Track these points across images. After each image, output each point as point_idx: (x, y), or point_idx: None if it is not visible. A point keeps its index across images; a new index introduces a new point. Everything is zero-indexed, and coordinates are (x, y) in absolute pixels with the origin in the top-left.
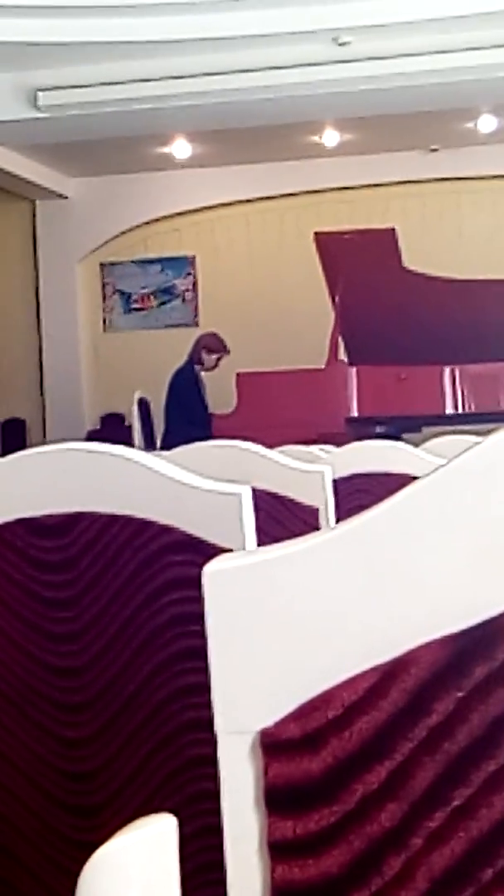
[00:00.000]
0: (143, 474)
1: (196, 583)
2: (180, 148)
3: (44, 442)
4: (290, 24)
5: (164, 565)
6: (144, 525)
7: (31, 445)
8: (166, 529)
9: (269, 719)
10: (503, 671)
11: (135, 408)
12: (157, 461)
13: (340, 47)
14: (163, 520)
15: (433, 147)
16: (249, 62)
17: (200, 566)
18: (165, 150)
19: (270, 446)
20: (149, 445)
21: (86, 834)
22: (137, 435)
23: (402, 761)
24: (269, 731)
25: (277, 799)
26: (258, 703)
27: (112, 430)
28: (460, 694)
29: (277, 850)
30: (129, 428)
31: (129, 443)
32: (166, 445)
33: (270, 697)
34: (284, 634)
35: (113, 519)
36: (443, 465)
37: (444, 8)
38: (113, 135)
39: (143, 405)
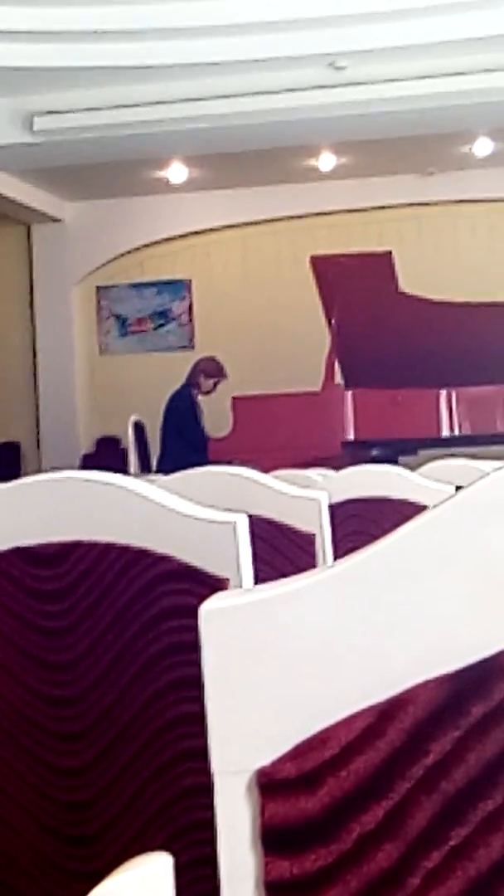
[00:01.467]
0: (139, 503)
1: (192, 612)
2: (176, 172)
3: (38, 465)
4: (286, 49)
5: (159, 594)
6: (140, 554)
7: (26, 469)
8: (162, 558)
9: (266, 759)
10: (501, 711)
11: (130, 431)
12: (152, 490)
13: (337, 71)
14: (159, 549)
15: (429, 170)
16: (246, 86)
17: (196, 595)
18: (161, 173)
19: (266, 469)
20: (144, 469)
21: (81, 864)
22: (133, 458)
23: (400, 801)
24: (266, 770)
25: (274, 839)
26: (255, 743)
27: (107, 453)
28: (458, 734)
29: (274, 890)
30: (125, 451)
31: (124, 466)
32: (162, 469)
33: (267, 737)
34: (281, 673)
35: (109, 548)
36: (440, 503)
37: (441, 33)
38: (109, 159)
39: (139, 428)
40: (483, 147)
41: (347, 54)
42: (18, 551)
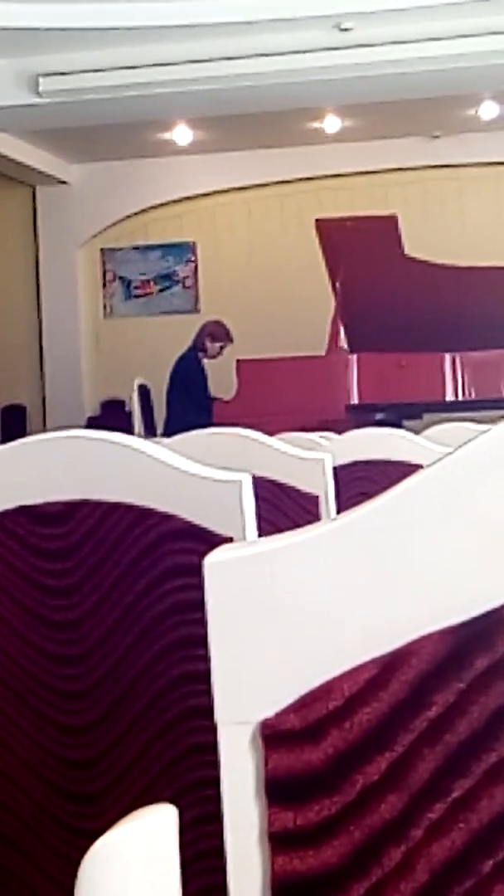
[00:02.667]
0: (144, 462)
1: (197, 571)
2: (181, 134)
3: (44, 428)
4: (291, 10)
5: (164, 553)
6: (145, 513)
7: (32, 431)
8: (167, 517)
9: (270, 710)
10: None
11: (135, 394)
12: (157, 449)
13: (342, 33)
14: (163, 508)
15: (435, 134)
16: (251, 48)
17: (201, 554)
18: (166, 136)
19: (271, 433)
20: (149, 432)
21: (86, 821)
22: (138, 421)
23: (403, 753)
24: (270, 721)
25: (278, 789)
26: (259, 694)
27: (112, 416)
28: (461, 686)
29: (278, 840)
30: (130, 414)
31: (129, 429)
32: (167, 432)
33: (271, 688)
34: (285, 625)
35: (113, 507)
36: (443, 457)
37: None
38: (114, 120)
39: (144, 391)
40: (489, 110)
41: (353, 15)
42: (23, 510)
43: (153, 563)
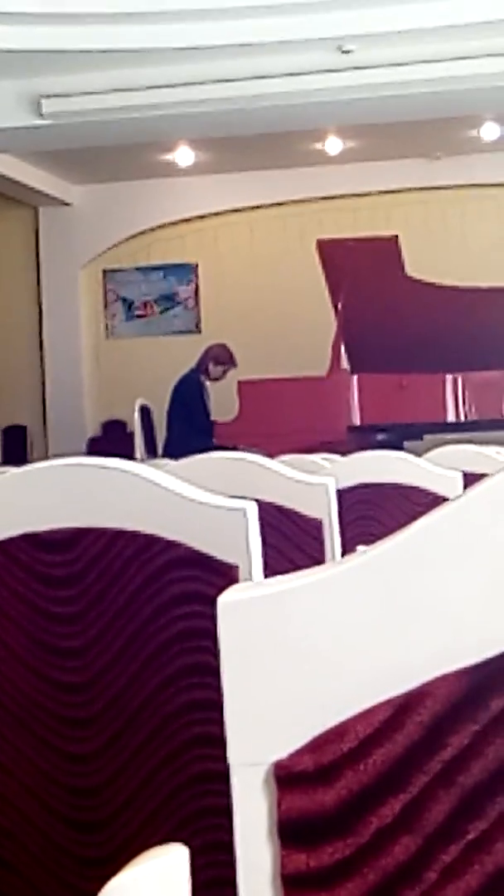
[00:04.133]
0: (149, 489)
1: (202, 598)
2: (183, 155)
3: (45, 449)
4: (294, 32)
5: (169, 581)
6: (150, 540)
7: (33, 452)
8: (172, 545)
9: (283, 751)
10: None
11: (137, 415)
12: (162, 476)
13: (344, 55)
14: (168, 535)
15: (436, 155)
16: (253, 70)
17: (206, 582)
18: (169, 157)
19: (272, 454)
20: (150, 453)
21: (90, 850)
22: (139, 442)
23: (417, 794)
24: (283, 763)
25: (291, 831)
26: (272, 735)
27: (113, 437)
28: (476, 727)
29: (291, 882)
30: (131, 435)
31: (130, 450)
32: (168, 453)
33: (284, 729)
34: (299, 666)
35: (118, 534)
36: (457, 497)
37: (449, 16)
38: (116, 142)
39: (145, 412)
40: (490, 131)
41: (354, 38)
42: (28, 537)
43: (158, 591)
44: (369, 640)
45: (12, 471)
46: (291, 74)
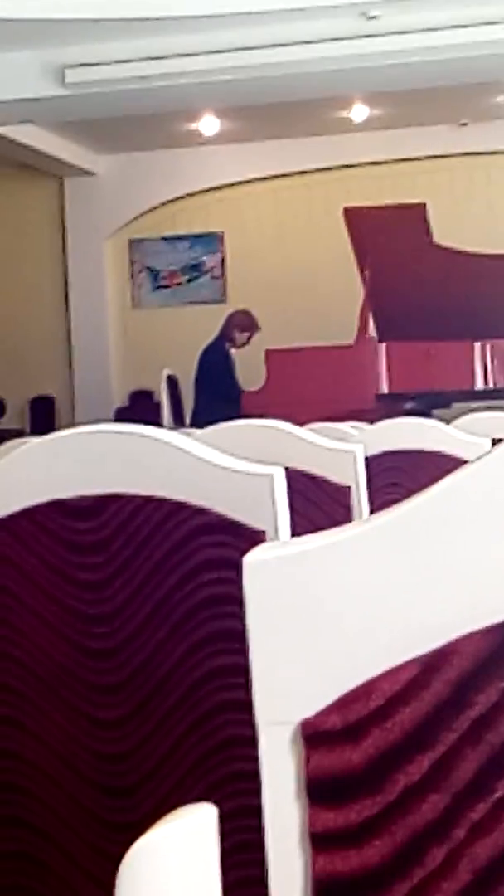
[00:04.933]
0: (176, 456)
1: (229, 564)
2: (208, 124)
3: (72, 419)
4: None
5: (196, 547)
6: (177, 507)
7: (60, 423)
8: (199, 511)
9: (310, 710)
10: None
11: (163, 385)
12: (189, 442)
13: (369, 21)
14: (195, 501)
15: (462, 121)
16: (278, 37)
17: (234, 548)
18: (193, 126)
19: (300, 423)
20: (178, 422)
21: (119, 815)
22: (166, 412)
23: (445, 752)
24: (310, 721)
25: (319, 790)
26: (298, 694)
27: (141, 407)
28: (503, 685)
29: (319, 841)
30: (158, 405)
31: (158, 420)
32: (196, 422)
33: (311, 688)
34: (325, 625)
35: (146, 501)
36: (484, 455)
37: None
38: (141, 111)
39: (172, 382)
40: None
41: (379, 4)
42: (55, 504)
43: (186, 557)
44: (395, 599)
45: (37, 440)
46: (316, 41)
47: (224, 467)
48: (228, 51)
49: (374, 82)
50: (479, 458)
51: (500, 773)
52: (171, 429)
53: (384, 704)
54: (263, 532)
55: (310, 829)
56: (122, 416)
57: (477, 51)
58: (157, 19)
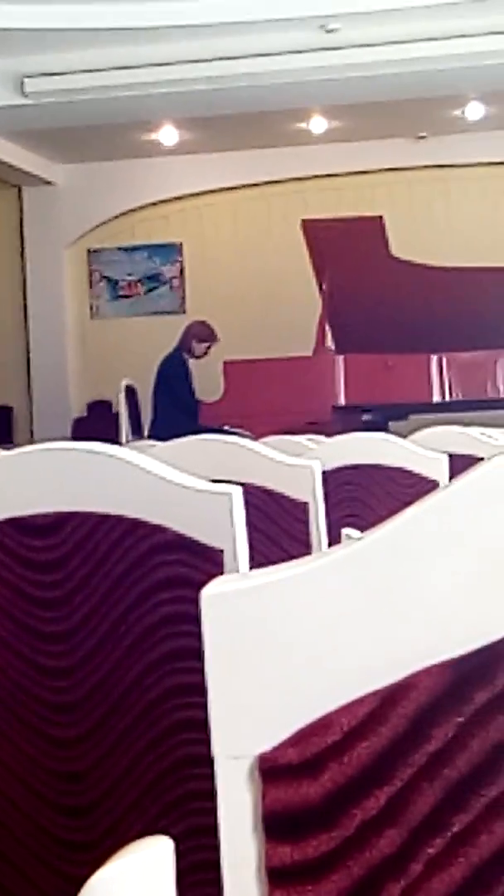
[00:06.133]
0: (134, 474)
1: (187, 583)
2: (167, 134)
3: (30, 429)
4: (278, 11)
5: (154, 565)
6: (135, 525)
7: (18, 432)
8: (157, 529)
9: (268, 744)
10: (503, 697)
11: (122, 395)
12: (147, 460)
13: (328, 34)
14: (153, 519)
15: (421, 134)
16: (237, 49)
17: (191, 566)
18: (153, 136)
19: (257, 434)
20: (136, 433)
21: (76, 834)
22: (125, 422)
23: (402, 787)
24: (267, 755)
25: (276, 824)
26: (256, 728)
27: (99, 417)
28: (460, 720)
29: (276, 876)
30: (117, 415)
31: (116, 430)
32: (154, 433)
33: (268, 722)
34: (283, 658)
35: (104, 518)
36: (442, 489)
37: None
38: (100, 121)
39: (131, 392)
40: (475, 111)
41: (339, 17)
42: (12, 521)
43: (143, 575)
44: (354, 633)
45: None
46: (275, 54)
47: (182, 486)
48: (188, 62)
49: (333, 95)
50: (438, 492)
51: (456, 808)
52: (129, 439)
53: (342, 739)
54: (221, 551)
55: (267, 864)
56: (80, 426)
57: (436, 65)
58: (117, 30)
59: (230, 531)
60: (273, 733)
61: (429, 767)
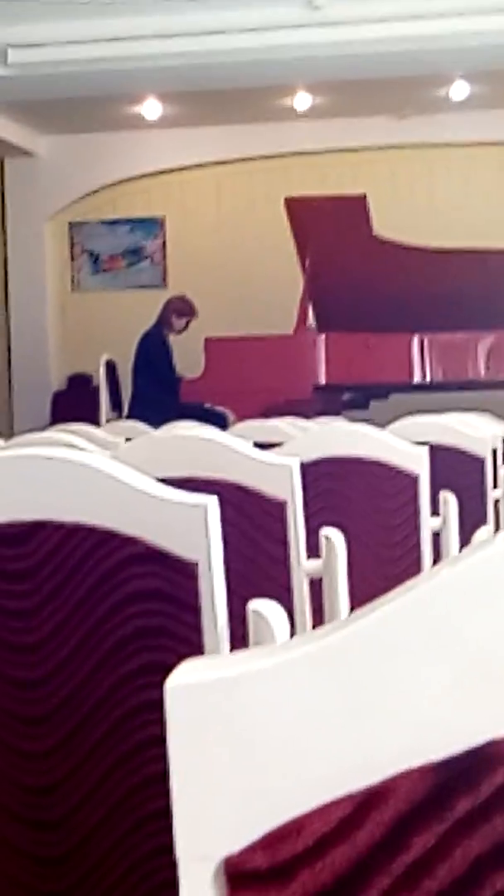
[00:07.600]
0: (107, 483)
1: (160, 596)
2: (151, 108)
3: (9, 402)
4: None
5: (126, 577)
6: (107, 536)
7: None
8: (130, 540)
9: (235, 846)
10: (488, 805)
11: (102, 371)
12: (121, 470)
13: (314, 11)
14: (126, 531)
15: (405, 113)
16: (223, 24)
17: (164, 578)
18: (136, 109)
19: (237, 411)
20: (116, 409)
21: (45, 848)
22: (104, 398)
23: None
24: (234, 859)
25: None
26: (222, 829)
27: (79, 391)
28: (442, 828)
29: None
30: (96, 389)
31: (95, 405)
32: (134, 408)
33: (236, 823)
34: (251, 756)
35: (75, 528)
36: (422, 582)
37: None
38: (83, 93)
39: (111, 368)
40: (459, 90)
41: None
42: None
43: (115, 587)
44: (327, 732)
45: None
46: (261, 29)
47: (156, 496)
48: (173, 35)
49: (318, 72)
50: (417, 585)
51: None
52: (109, 417)
53: (314, 844)
54: (196, 564)
55: None
56: (59, 400)
57: (420, 44)
58: (102, 2)
59: (205, 543)
60: (240, 835)
61: (408, 877)
